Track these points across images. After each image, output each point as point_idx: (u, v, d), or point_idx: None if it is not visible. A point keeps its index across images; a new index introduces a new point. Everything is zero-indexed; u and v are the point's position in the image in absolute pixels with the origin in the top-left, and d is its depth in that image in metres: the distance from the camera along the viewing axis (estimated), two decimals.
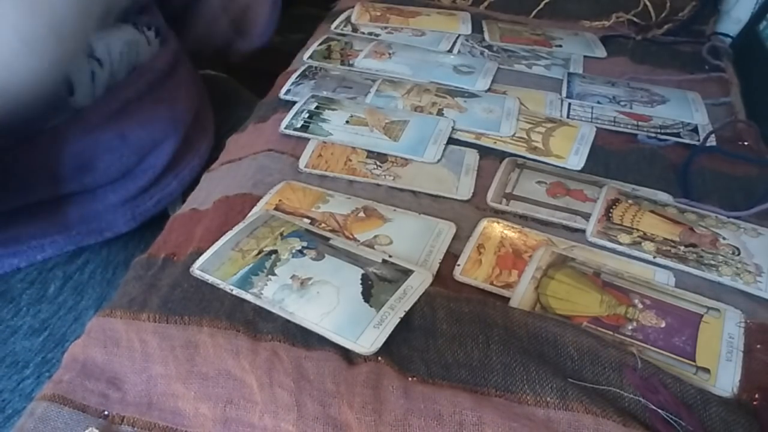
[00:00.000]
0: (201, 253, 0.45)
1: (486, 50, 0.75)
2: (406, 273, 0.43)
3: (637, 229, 0.48)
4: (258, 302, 0.41)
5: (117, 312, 0.41)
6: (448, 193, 0.52)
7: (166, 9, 0.66)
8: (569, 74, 0.69)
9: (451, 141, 0.58)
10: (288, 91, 0.66)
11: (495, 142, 0.58)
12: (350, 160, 0.56)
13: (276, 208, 0.50)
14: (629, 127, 0.61)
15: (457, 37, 0.78)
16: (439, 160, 0.56)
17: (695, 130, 0.60)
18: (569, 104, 0.64)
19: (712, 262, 0.45)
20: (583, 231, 0.49)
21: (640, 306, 0.42)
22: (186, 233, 0.49)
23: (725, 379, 0.38)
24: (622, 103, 0.64)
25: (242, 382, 0.37)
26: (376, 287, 0.42)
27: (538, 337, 0.39)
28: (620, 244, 0.47)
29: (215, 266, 0.44)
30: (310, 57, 0.73)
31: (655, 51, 0.76)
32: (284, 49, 0.79)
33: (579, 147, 0.58)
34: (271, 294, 0.41)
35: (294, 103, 0.64)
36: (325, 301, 0.41)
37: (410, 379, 0.37)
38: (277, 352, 0.38)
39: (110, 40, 0.55)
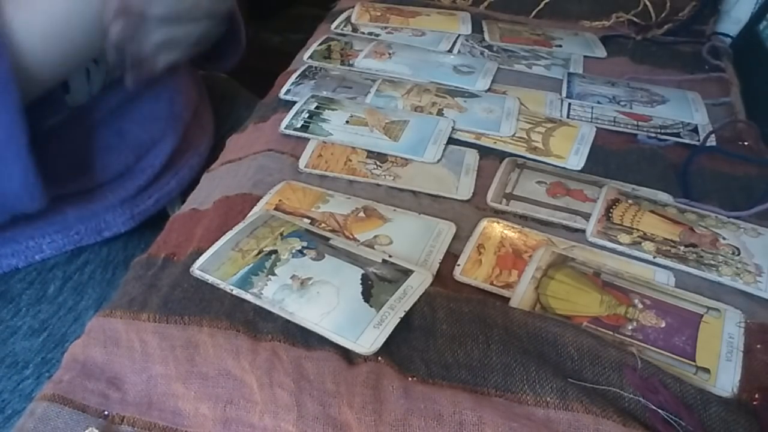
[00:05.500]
0: (201, 253, 0.45)
1: (486, 50, 0.75)
2: (406, 273, 0.43)
3: (637, 229, 0.48)
4: (258, 302, 0.41)
5: (117, 312, 0.41)
6: (448, 193, 0.52)
7: None
8: (569, 74, 0.69)
9: (451, 141, 0.58)
10: (288, 91, 0.66)
11: (495, 142, 0.58)
12: (350, 160, 0.56)
13: (276, 208, 0.50)
14: (629, 127, 0.61)
15: (457, 37, 0.78)
16: (439, 160, 0.56)
17: (695, 130, 0.60)
18: (569, 104, 0.64)
19: (712, 262, 0.45)
20: (583, 231, 0.49)
21: (640, 306, 0.42)
22: (186, 233, 0.49)
23: (725, 379, 0.38)
24: (622, 103, 0.64)
25: (242, 382, 0.37)
26: (376, 287, 0.42)
27: (538, 337, 0.39)
28: (620, 244, 0.47)
29: (215, 266, 0.44)
30: (310, 57, 0.73)
31: (655, 51, 0.76)
32: (284, 49, 0.79)
33: (579, 147, 0.58)
34: (271, 294, 0.41)
35: (294, 103, 0.64)
36: (325, 301, 0.41)
37: (410, 379, 0.37)
38: (277, 352, 0.38)
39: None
